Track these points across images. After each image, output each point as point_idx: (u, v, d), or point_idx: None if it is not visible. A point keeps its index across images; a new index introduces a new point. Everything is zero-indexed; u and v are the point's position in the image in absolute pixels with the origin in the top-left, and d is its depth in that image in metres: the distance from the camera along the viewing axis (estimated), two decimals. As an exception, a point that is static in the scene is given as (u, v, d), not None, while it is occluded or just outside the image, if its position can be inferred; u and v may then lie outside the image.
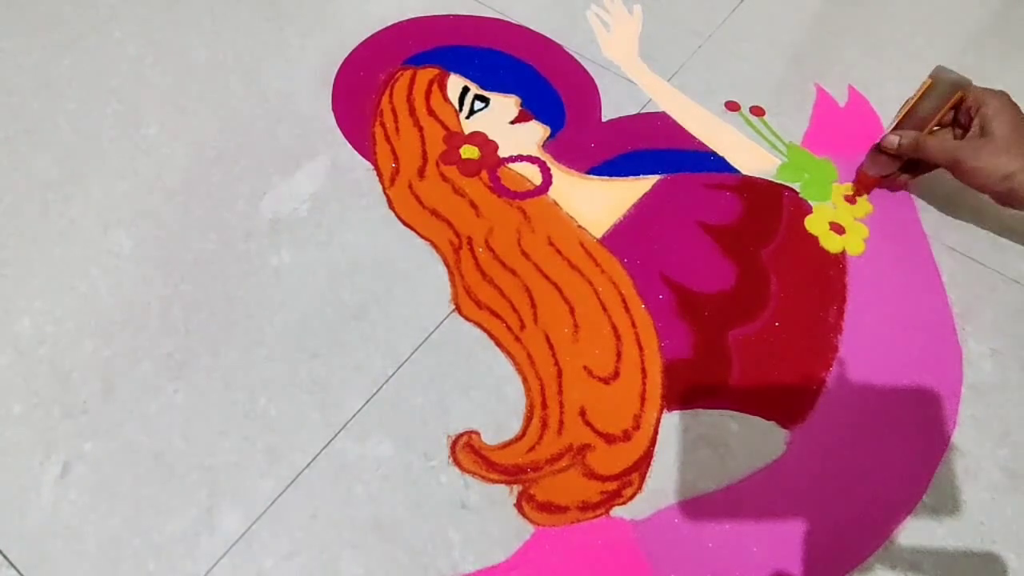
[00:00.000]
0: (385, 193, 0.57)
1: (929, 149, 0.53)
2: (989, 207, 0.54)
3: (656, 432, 0.46)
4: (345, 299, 0.51)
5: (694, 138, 0.62)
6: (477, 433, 0.46)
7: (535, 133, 0.62)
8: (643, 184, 0.58)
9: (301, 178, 0.58)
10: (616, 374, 0.48)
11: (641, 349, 0.49)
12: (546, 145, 0.61)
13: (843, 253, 0.55)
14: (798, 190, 0.59)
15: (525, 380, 0.48)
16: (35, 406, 0.46)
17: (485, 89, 0.65)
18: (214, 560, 0.41)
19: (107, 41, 0.67)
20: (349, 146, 0.60)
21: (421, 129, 0.61)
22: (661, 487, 0.44)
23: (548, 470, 0.45)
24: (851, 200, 0.58)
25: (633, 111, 0.64)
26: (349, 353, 0.49)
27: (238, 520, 0.42)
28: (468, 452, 0.45)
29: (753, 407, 0.48)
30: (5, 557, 0.41)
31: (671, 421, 0.47)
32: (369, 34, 0.69)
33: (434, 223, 0.56)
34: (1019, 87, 0.68)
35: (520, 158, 0.60)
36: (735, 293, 0.52)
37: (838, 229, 0.56)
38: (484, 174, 0.58)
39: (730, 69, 0.68)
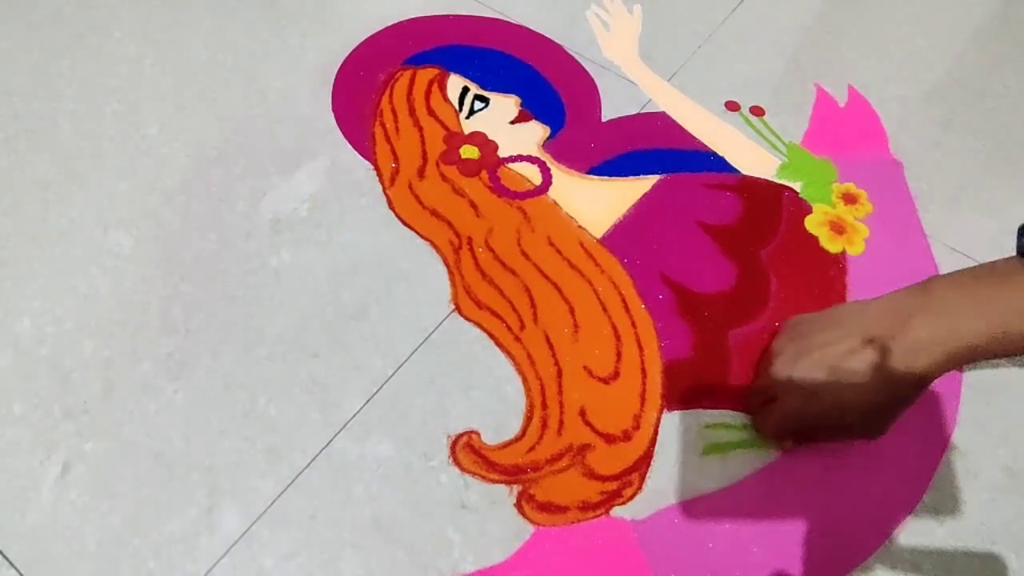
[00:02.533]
0: (385, 193, 0.57)
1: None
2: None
3: (656, 432, 0.46)
4: (345, 299, 0.51)
5: (694, 138, 0.62)
6: (477, 433, 0.46)
7: (535, 133, 0.62)
8: (643, 184, 0.58)
9: (301, 178, 0.58)
10: (616, 374, 0.48)
11: (641, 349, 0.49)
12: (546, 145, 0.61)
13: (843, 253, 0.55)
14: (798, 190, 0.59)
15: (525, 380, 0.48)
16: (35, 406, 0.46)
17: (485, 89, 0.65)
18: (214, 560, 0.41)
19: (107, 41, 0.67)
20: (349, 146, 0.60)
21: (421, 129, 0.61)
22: (661, 487, 0.44)
23: (548, 470, 0.45)
24: (851, 200, 0.58)
25: (633, 111, 0.64)
26: (349, 353, 0.49)
27: (238, 520, 0.42)
28: (468, 452, 0.45)
29: (753, 407, 0.47)
30: (5, 557, 0.41)
31: (671, 421, 0.47)
32: (369, 34, 0.69)
33: (434, 223, 0.55)
34: (1019, 87, 0.69)
35: (520, 158, 0.60)
36: (735, 293, 0.52)
37: (838, 229, 0.56)
38: (484, 174, 0.58)
39: (730, 69, 0.68)
